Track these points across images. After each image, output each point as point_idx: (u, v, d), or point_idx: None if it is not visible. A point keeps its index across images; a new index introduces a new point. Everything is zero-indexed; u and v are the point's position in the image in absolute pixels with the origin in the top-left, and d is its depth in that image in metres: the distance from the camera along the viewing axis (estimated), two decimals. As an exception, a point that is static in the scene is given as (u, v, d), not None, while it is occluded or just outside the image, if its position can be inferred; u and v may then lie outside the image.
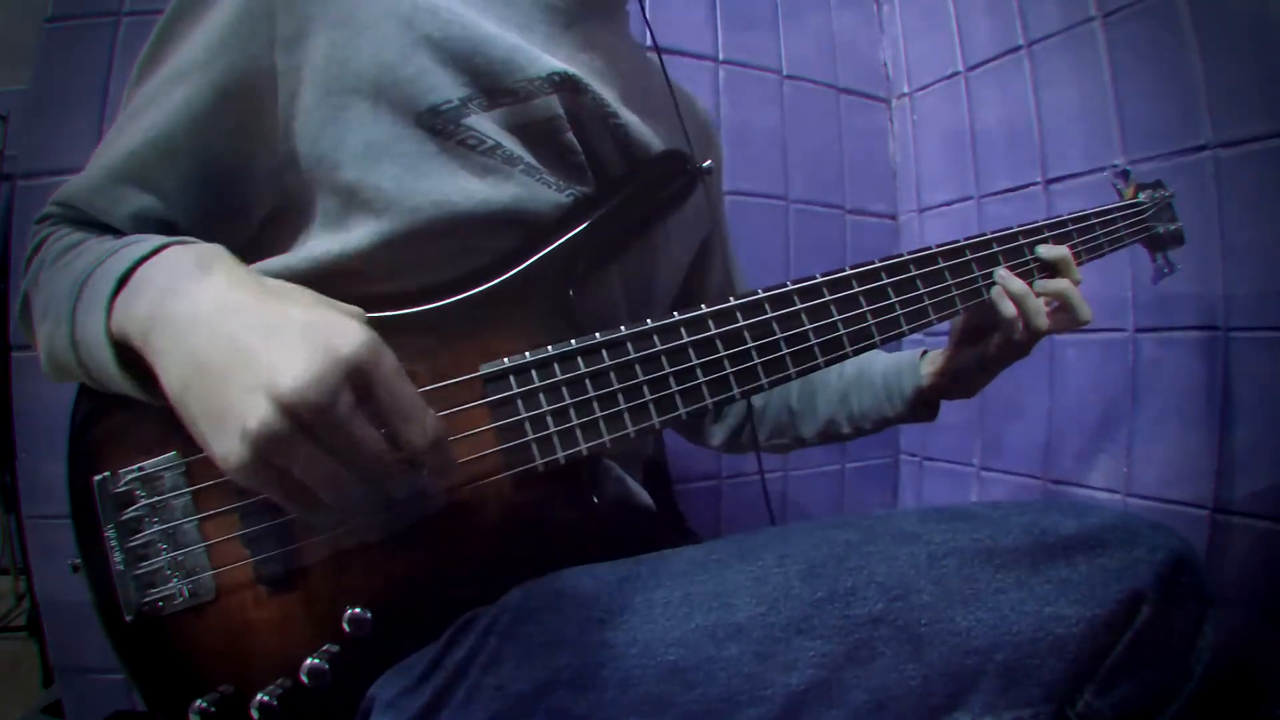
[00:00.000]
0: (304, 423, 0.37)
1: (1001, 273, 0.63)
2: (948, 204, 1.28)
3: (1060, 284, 0.64)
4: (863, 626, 0.43)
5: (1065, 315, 0.64)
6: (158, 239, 0.46)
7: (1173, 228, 0.78)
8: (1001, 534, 0.45)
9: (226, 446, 0.37)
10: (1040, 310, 0.62)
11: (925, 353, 0.73)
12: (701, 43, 1.21)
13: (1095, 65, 1.01)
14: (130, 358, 0.43)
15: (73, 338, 0.46)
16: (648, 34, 0.79)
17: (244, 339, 0.38)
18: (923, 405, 0.73)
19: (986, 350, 0.66)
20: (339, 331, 0.39)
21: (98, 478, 0.46)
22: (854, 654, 0.42)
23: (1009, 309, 0.62)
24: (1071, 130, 1.07)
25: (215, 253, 0.45)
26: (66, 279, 0.47)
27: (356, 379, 0.38)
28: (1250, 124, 0.84)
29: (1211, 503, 0.88)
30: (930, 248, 0.61)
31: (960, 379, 0.69)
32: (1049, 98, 1.10)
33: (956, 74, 1.25)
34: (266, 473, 0.37)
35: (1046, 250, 0.65)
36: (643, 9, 0.75)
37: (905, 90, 1.36)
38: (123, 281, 0.44)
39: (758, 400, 0.79)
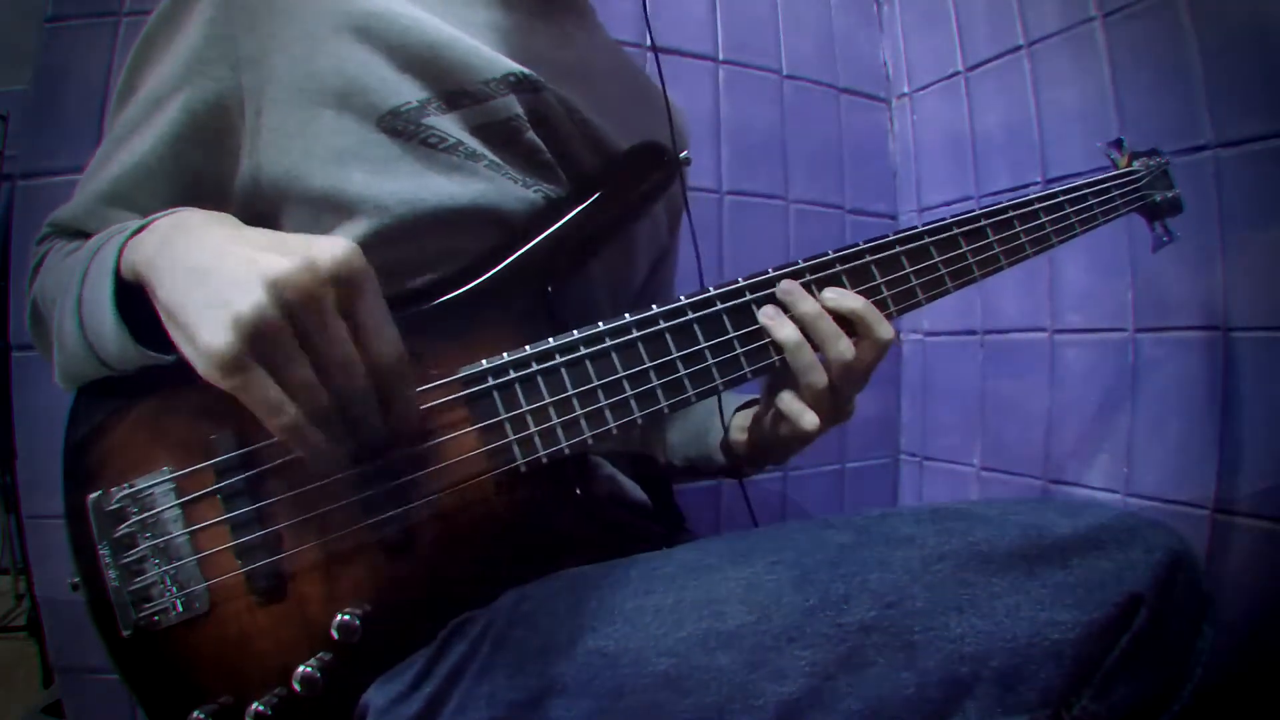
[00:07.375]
0: (292, 312, 0.38)
1: (768, 309, 0.53)
2: (948, 204, 1.28)
3: (855, 301, 0.53)
4: (855, 634, 0.42)
5: (866, 341, 0.53)
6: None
7: (1170, 195, 0.76)
8: (996, 536, 0.45)
9: (214, 337, 0.38)
10: (837, 334, 0.52)
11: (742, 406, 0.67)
12: (701, 43, 1.21)
13: (1095, 65, 1.01)
14: (132, 302, 0.45)
15: (79, 308, 0.47)
16: (647, 34, 0.79)
17: (241, 249, 0.41)
18: (730, 463, 0.65)
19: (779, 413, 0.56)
20: (329, 240, 0.42)
21: (91, 496, 0.47)
22: (846, 662, 0.42)
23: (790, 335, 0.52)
24: (1071, 130, 1.06)
25: (225, 214, 0.49)
26: (77, 261, 0.49)
27: (341, 284, 0.40)
28: (1250, 124, 0.84)
29: (1212, 503, 0.88)
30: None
31: (765, 446, 0.60)
32: (1049, 98, 1.09)
33: (956, 74, 1.24)
34: (249, 368, 0.39)
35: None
36: (644, 9, 0.75)
37: (905, 90, 1.35)
38: (135, 234, 0.46)
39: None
